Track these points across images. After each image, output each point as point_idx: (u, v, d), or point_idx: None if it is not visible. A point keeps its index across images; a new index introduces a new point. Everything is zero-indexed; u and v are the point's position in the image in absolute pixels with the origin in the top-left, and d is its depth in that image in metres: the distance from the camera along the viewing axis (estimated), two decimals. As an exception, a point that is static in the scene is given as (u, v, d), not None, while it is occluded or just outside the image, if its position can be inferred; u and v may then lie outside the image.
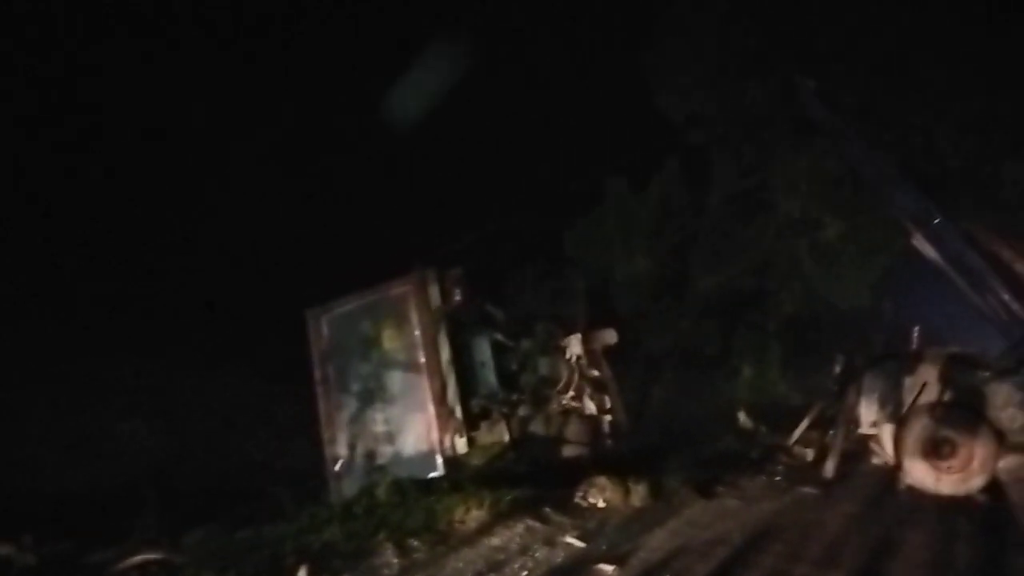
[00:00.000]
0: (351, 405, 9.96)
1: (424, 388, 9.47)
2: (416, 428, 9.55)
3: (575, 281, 12.33)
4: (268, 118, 16.52)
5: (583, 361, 10.50)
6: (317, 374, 10.17)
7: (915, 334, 9.77)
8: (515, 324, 10.32)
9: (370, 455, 9.71)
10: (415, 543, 6.23)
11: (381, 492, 7.77)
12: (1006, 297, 8.96)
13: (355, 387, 9.97)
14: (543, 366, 10.21)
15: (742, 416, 11.99)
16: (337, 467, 9.91)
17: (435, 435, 9.36)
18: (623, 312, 14.06)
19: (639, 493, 7.76)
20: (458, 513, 6.89)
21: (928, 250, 9.47)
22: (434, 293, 9.54)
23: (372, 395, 9.83)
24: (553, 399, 10.13)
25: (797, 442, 10.37)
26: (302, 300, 10.50)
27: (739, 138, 13.54)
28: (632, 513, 7.39)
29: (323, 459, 9.99)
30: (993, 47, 11.89)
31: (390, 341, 9.85)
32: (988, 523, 7.58)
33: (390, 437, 9.68)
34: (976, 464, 8.37)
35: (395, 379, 9.75)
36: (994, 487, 8.49)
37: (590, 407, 10.41)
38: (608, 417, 10.67)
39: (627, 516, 7.31)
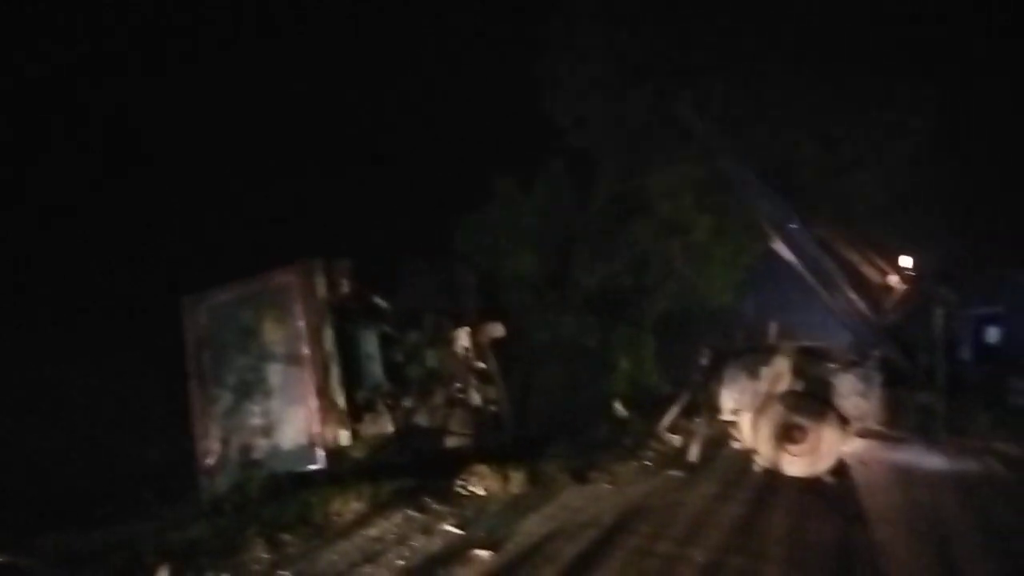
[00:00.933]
0: (226, 398, 9.57)
1: (305, 381, 9.25)
2: (296, 421, 9.30)
3: (464, 276, 12.42)
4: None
5: (470, 354, 10.61)
6: (191, 365, 9.71)
7: (772, 329, 10.58)
8: (403, 316, 10.27)
9: (245, 450, 9.38)
10: (288, 537, 6.10)
11: (254, 487, 7.54)
12: (853, 297, 9.86)
13: (231, 379, 9.59)
14: (430, 358, 10.23)
15: (618, 406, 12.52)
16: (209, 462, 9.52)
17: (316, 428, 9.17)
18: (509, 307, 14.30)
19: (518, 480, 7.96)
20: (335, 506, 6.80)
21: (786, 253, 10.26)
22: (320, 283, 9.34)
23: (249, 387, 9.48)
24: (439, 391, 10.18)
25: (666, 429, 10.99)
26: (180, 289, 10.00)
27: (621, 143, 14.09)
28: (510, 500, 7.57)
29: (194, 454, 9.56)
30: (850, 75, 13.06)
31: (271, 332, 9.53)
32: (834, 501, 8.37)
33: (267, 431, 9.38)
34: (824, 448, 9.21)
35: (275, 371, 9.45)
36: (840, 469, 9.37)
37: (475, 399, 10.55)
38: (492, 408, 10.85)
39: (505, 503, 7.48)
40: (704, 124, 10.98)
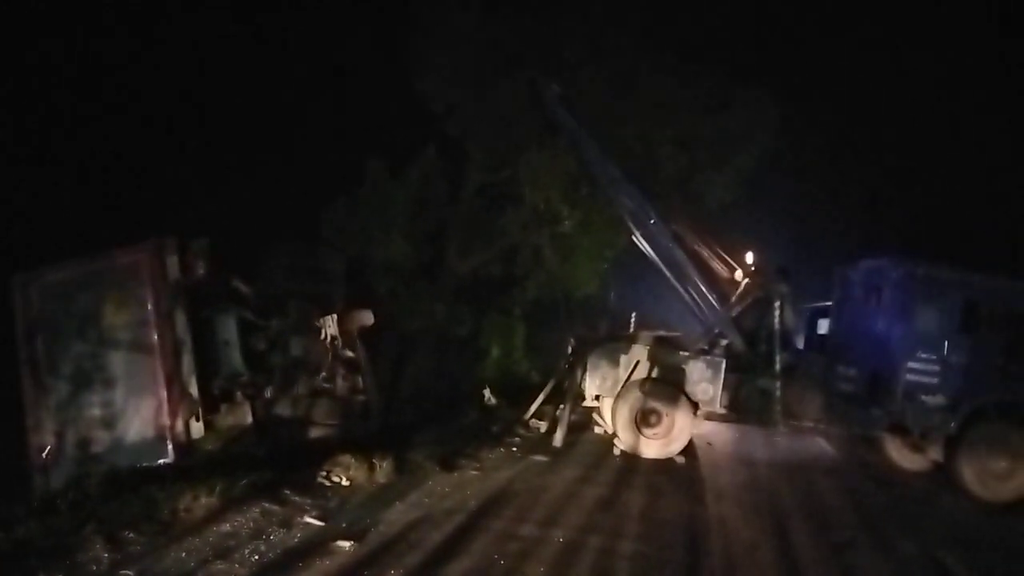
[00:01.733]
0: (62, 387, 8.75)
1: (153, 369, 8.63)
2: (141, 413, 8.66)
3: (332, 261, 12.04)
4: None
5: (338, 342, 10.32)
6: (22, 351, 8.78)
7: (632, 319, 11.10)
8: (267, 302, 9.79)
9: (83, 443, 8.63)
10: (131, 535, 5.67)
11: (92, 483, 6.94)
12: (703, 289, 10.54)
13: (68, 367, 8.77)
14: (295, 346, 9.84)
15: (487, 393, 12.68)
16: (42, 457, 8.67)
17: (165, 420, 8.59)
18: (379, 294, 14.07)
19: (384, 469, 7.85)
20: (184, 501, 6.38)
21: (645, 246, 10.78)
22: (172, 264, 8.70)
23: (88, 376, 8.71)
24: (303, 380, 9.83)
25: (533, 416, 11.27)
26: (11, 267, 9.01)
27: (491, 132, 14.19)
28: (376, 489, 7.45)
29: (25, 449, 8.68)
30: (706, 81, 13.91)
31: (114, 316, 8.75)
32: (685, 480, 8.95)
33: (109, 423, 8.67)
34: (676, 431, 9.81)
35: (117, 359, 8.73)
36: (690, 450, 10.02)
37: (342, 388, 10.29)
38: (359, 397, 10.62)
39: (370, 493, 7.35)
40: (571, 117, 11.27)
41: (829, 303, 10.95)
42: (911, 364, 9.69)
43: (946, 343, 9.61)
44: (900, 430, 9.93)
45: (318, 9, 16.66)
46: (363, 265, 14.25)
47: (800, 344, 11.19)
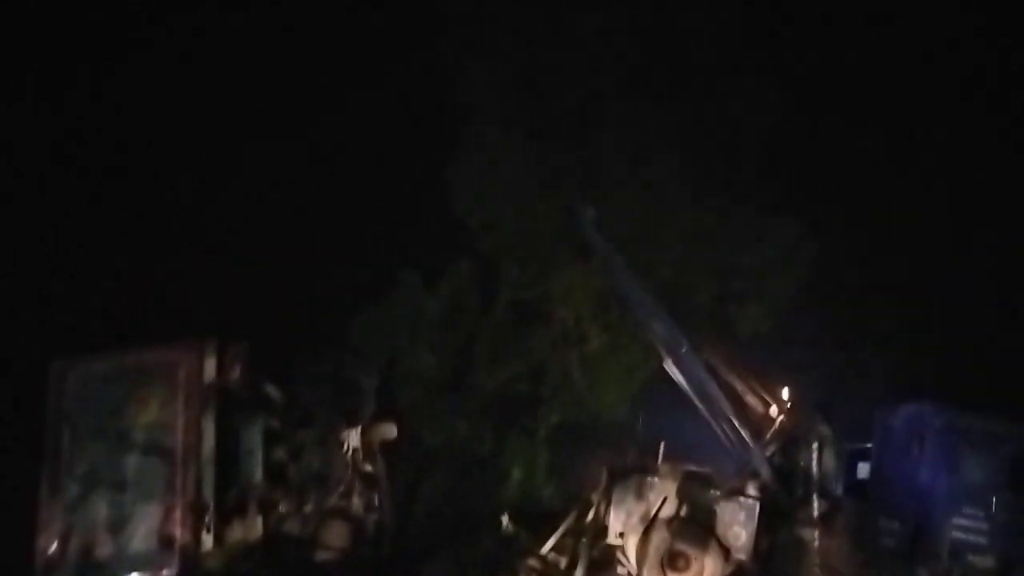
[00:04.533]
0: (74, 486, 8.57)
1: (173, 473, 8.45)
2: (151, 520, 8.42)
3: (363, 372, 12.00)
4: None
5: (358, 455, 10.10)
6: (48, 442, 8.68)
7: (661, 449, 10.69)
8: (294, 410, 9.69)
9: (87, 548, 8.36)
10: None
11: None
12: (736, 424, 10.18)
13: (83, 464, 8.61)
14: (315, 459, 9.63)
15: (505, 520, 12.12)
16: (46, 560, 8.39)
17: (175, 529, 8.33)
18: (402, 406, 13.89)
19: (393, 604, 7.43)
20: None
21: (676, 374, 10.55)
22: (211, 366, 8.69)
23: (101, 476, 8.55)
24: (319, 496, 9.55)
25: (552, 549, 10.70)
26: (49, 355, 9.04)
27: (526, 251, 14.43)
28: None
29: (32, 550, 8.43)
30: (741, 209, 14.12)
31: (146, 413, 8.65)
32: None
33: (116, 528, 8.42)
34: (705, 576, 9.19)
35: (140, 459, 8.59)
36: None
37: (357, 506, 9.96)
38: (374, 517, 10.25)
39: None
40: (604, 240, 11.38)
41: (869, 445, 10.50)
42: (957, 520, 9.14)
43: (994, 500, 9.07)
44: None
45: (359, 117, 17.42)
46: (389, 375, 14.18)
47: (839, 489, 10.62)
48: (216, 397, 8.61)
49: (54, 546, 8.40)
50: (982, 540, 9.07)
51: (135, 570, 7.81)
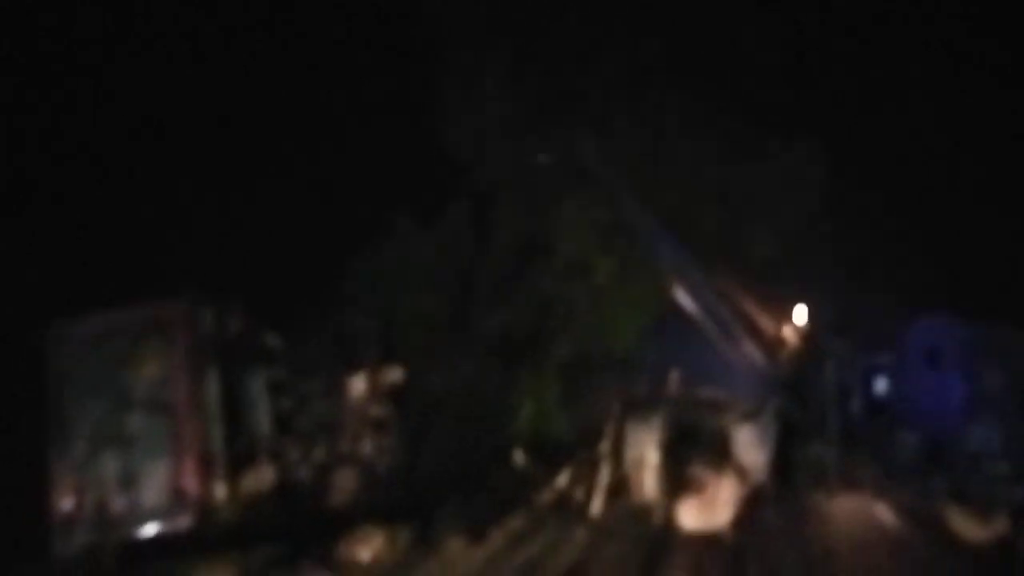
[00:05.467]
0: (82, 445, 8.51)
1: (178, 427, 8.38)
2: (162, 474, 8.39)
3: (362, 318, 11.84)
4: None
5: (365, 402, 10.02)
6: (52, 404, 8.60)
7: (673, 378, 10.55)
8: (296, 361, 9.57)
9: (101, 505, 8.33)
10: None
11: (109, 553, 6.63)
12: (749, 347, 10.01)
13: (89, 424, 8.54)
14: (322, 408, 9.56)
15: (518, 455, 12.12)
16: (62, 518, 8.37)
17: (187, 482, 8.29)
18: (406, 350, 13.73)
19: (407, 542, 7.40)
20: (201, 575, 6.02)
21: (687, 301, 10.35)
22: (205, 320, 8.54)
23: (109, 434, 8.47)
24: (328, 443, 9.50)
25: (568, 480, 10.69)
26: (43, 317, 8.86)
27: (523, 183, 13.98)
28: (398, 566, 6.98)
29: (46, 510, 8.41)
30: (748, 128, 13.60)
31: (145, 369, 8.58)
32: (730, 556, 8.26)
33: (128, 484, 8.39)
34: (721, 500, 9.14)
35: (143, 415, 8.51)
36: (737, 519, 9.30)
37: (366, 450, 9.92)
38: (385, 460, 10.23)
39: (393, 567, 6.89)
40: (607, 169, 11.01)
41: (885, 360, 10.33)
42: (973, 430, 9.05)
43: (1011, 410, 8.98)
44: (963, 500, 9.22)
45: (342, 60, 16.76)
46: (389, 320, 13.98)
47: (855, 406, 10.52)
48: (215, 351, 8.46)
49: (69, 504, 8.39)
50: (997, 448, 8.99)
51: (151, 522, 7.77)
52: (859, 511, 10.10)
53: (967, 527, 9.72)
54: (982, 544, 9.50)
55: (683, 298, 10.35)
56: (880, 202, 13.38)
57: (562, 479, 10.60)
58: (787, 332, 10.13)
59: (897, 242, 13.08)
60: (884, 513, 10.23)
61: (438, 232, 14.30)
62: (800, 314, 10.22)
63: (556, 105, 13.37)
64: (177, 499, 8.21)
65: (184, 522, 8.10)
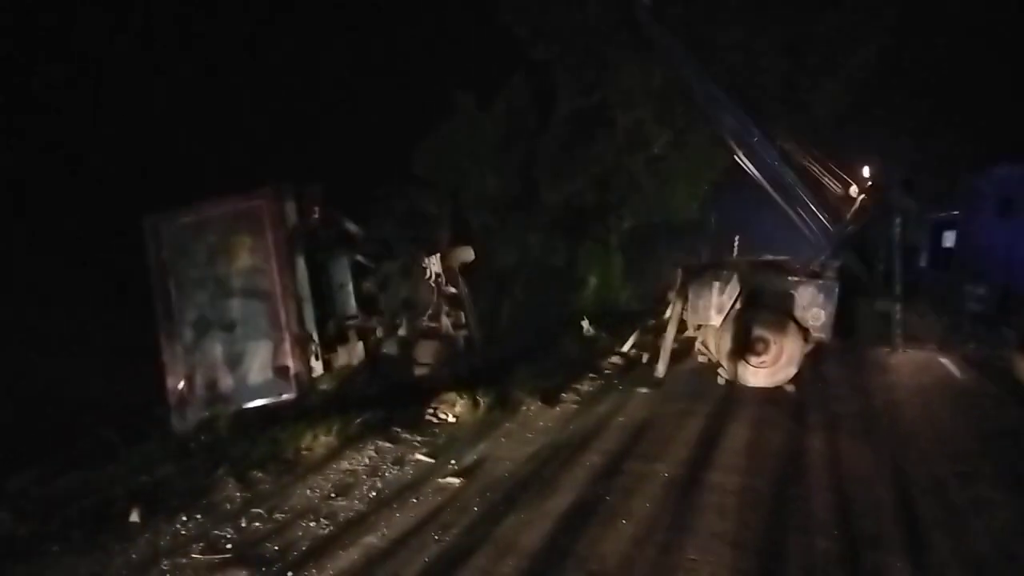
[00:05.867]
0: (188, 331, 9.37)
1: (275, 310, 9.08)
2: (264, 354, 9.19)
3: (432, 200, 12.15)
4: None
5: (441, 280, 10.55)
6: (156, 294, 9.39)
7: (735, 243, 10.62)
8: (375, 244, 10.07)
9: (211, 384, 9.28)
10: (259, 475, 6.14)
11: (222, 425, 7.52)
12: (814, 208, 9.88)
13: (194, 310, 9.34)
14: (403, 287, 10.12)
15: (585, 324, 12.64)
16: (175, 399, 9.41)
17: (287, 360, 9.08)
18: (474, 229, 14.15)
19: (488, 405, 8.06)
20: (306, 441, 6.83)
21: (748, 166, 10.17)
22: (291, 209, 8.99)
23: (213, 319, 9.27)
24: (410, 320, 10.14)
25: (634, 346, 11.17)
26: (140, 210, 9.48)
27: (581, 54, 13.60)
28: (480, 425, 7.67)
29: (160, 391, 9.46)
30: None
31: (239, 259, 9.12)
32: (794, 411, 8.65)
33: (234, 364, 9.27)
34: (785, 359, 9.43)
35: (240, 302, 9.23)
36: (800, 378, 9.63)
37: (446, 326, 10.55)
38: (463, 334, 10.88)
39: (475, 429, 7.59)
40: (665, 32, 10.61)
41: (955, 213, 10.05)
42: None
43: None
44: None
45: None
46: (457, 200, 14.30)
47: (924, 261, 10.39)
48: (300, 238, 8.96)
49: (182, 384, 9.39)
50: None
51: (257, 398, 8.62)
52: (924, 364, 10.26)
53: (1034, 374, 9.77)
54: (1049, 390, 9.59)
55: (745, 163, 10.17)
56: (946, 55, 12.50)
57: (628, 344, 11.07)
58: (854, 190, 9.91)
59: (963, 94, 12.31)
60: (949, 365, 10.37)
61: (499, 109, 14.27)
62: (867, 171, 9.94)
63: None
64: (279, 375, 9.04)
65: (287, 396, 8.98)
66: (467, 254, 10.95)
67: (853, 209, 9.85)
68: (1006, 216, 9.25)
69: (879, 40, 12.85)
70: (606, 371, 10.28)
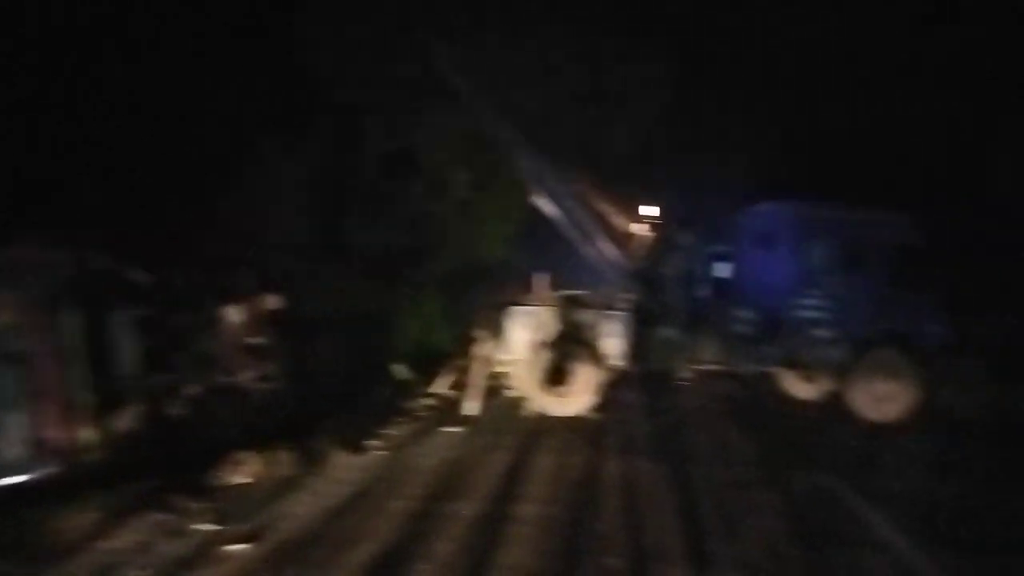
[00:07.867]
0: None
1: (31, 377, 8.02)
2: (17, 425, 8.07)
3: (235, 246, 11.48)
4: None
5: (243, 330, 9.90)
6: None
7: (540, 280, 11.04)
8: (167, 294, 9.23)
9: None
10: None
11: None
12: (606, 245, 10.59)
13: None
14: (197, 341, 9.35)
15: (397, 368, 12.46)
16: None
17: (47, 432, 8.03)
18: (283, 275, 13.51)
19: (286, 461, 7.60)
20: (63, 520, 6.00)
21: (547, 207, 10.72)
22: (62, 258, 8.06)
23: None
24: (204, 377, 9.38)
25: (445, 386, 11.16)
26: None
27: (386, 100, 13.71)
28: (277, 484, 7.18)
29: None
30: (598, 35, 13.76)
31: None
32: (594, 436, 9.06)
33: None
34: (586, 387, 9.89)
35: (-3, 369, 8.07)
36: (600, 405, 10.11)
37: (246, 380, 9.90)
38: (266, 387, 10.25)
39: (272, 488, 7.07)
40: (462, 79, 10.99)
41: (726, 248, 11.20)
42: (802, 301, 10.16)
43: (832, 279, 10.10)
44: (793, 364, 10.46)
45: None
46: (263, 247, 13.64)
47: (702, 291, 11.42)
48: (73, 290, 8.05)
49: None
50: (821, 316, 10.19)
51: (11, 476, 7.53)
52: (706, 384, 11.22)
53: (796, 386, 11.06)
54: (809, 400, 10.87)
55: (544, 204, 10.70)
56: (717, 106, 14.25)
57: (440, 385, 11.05)
58: (639, 228, 10.74)
59: (735, 140, 14.05)
60: (727, 384, 11.43)
61: (303, 154, 13.91)
62: (652, 210, 10.84)
63: (411, 16, 13.02)
64: (37, 448, 7.96)
65: (48, 471, 7.91)
66: (272, 302, 10.42)
67: (641, 245, 10.65)
68: (768, 248, 10.48)
69: (661, 95, 14.22)
70: (418, 414, 10.15)
